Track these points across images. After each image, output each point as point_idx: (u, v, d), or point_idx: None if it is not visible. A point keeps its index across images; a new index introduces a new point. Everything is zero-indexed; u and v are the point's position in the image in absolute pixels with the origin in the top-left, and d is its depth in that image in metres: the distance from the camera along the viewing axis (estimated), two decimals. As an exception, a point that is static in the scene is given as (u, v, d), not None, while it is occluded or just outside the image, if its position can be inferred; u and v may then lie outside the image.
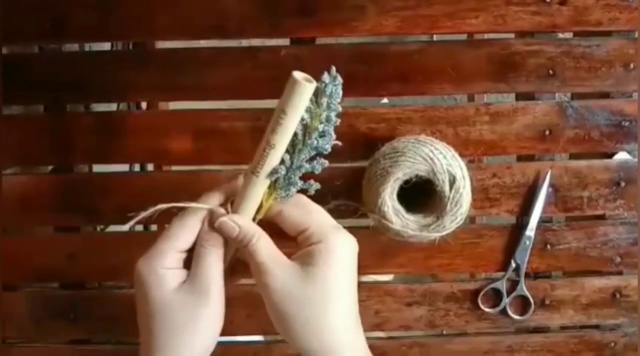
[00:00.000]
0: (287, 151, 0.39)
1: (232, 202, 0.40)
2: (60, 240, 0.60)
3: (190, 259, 0.39)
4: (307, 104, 0.38)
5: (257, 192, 0.39)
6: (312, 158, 0.40)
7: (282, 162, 0.39)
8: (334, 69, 0.39)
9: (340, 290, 0.38)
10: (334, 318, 0.38)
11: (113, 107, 0.62)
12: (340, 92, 0.39)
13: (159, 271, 0.38)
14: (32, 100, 0.59)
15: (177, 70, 0.57)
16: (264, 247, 0.38)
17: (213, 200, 0.40)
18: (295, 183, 0.40)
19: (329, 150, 0.40)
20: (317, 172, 0.40)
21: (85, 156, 0.59)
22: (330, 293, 0.38)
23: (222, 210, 0.39)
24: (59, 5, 0.56)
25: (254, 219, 0.40)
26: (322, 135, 0.39)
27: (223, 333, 0.62)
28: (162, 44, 0.62)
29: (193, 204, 0.39)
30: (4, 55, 0.57)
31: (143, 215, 0.39)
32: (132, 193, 0.58)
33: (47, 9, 0.56)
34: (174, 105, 0.61)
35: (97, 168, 0.61)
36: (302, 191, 0.40)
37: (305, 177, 0.40)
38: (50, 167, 0.61)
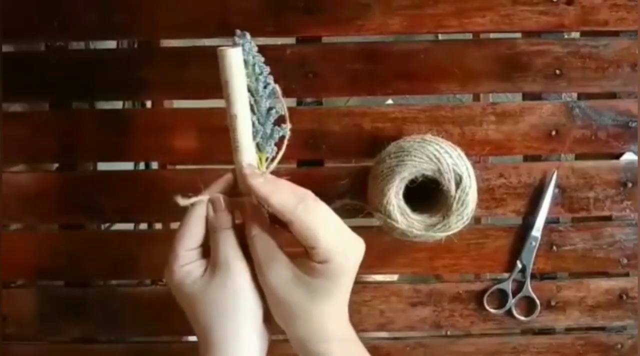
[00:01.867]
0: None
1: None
2: (64, 237, 0.60)
3: (208, 248, 0.42)
4: (244, 71, 0.42)
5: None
6: (270, 109, 0.43)
7: (253, 124, 0.43)
8: (236, 31, 0.42)
9: (336, 298, 0.40)
10: (324, 317, 0.40)
11: (118, 105, 0.62)
12: (253, 42, 0.42)
13: (179, 271, 0.41)
14: (37, 97, 0.59)
15: (182, 68, 0.57)
16: (259, 244, 0.40)
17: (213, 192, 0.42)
18: (271, 136, 0.43)
19: (277, 91, 0.43)
20: (283, 113, 0.44)
21: (90, 154, 0.58)
22: (326, 301, 0.40)
23: (219, 195, 0.42)
24: (65, 3, 0.56)
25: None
26: (264, 83, 0.43)
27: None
28: (167, 42, 0.62)
29: (200, 197, 0.42)
30: (10, 52, 0.58)
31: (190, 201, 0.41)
32: (136, 191, 0.58)
33: (54, 6, 0.56)
34: (179, 103, 0.61)
35: (102, 166, 0.61)
36: (281, 139, 0.43)
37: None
38: (55, 165, 0.61)
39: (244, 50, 0.42)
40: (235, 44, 0.42)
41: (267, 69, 0.43)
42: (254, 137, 0.43)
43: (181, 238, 0.41)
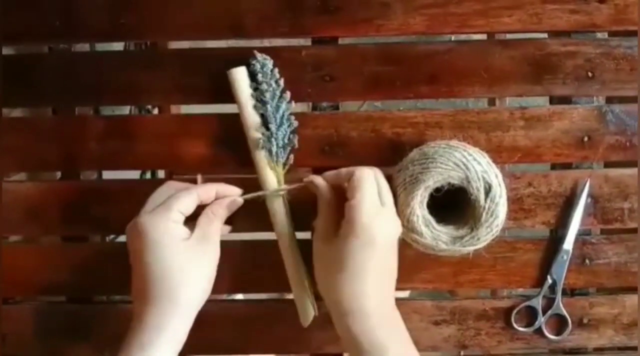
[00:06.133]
0: (268, 128, 0.51)
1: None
2: (67, 250, 0.57)
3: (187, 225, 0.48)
4: (250, 90, 0.51)
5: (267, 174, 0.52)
6: (284, 119, 0.52)
7: (270, 134, 0.51)
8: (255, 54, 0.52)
9: (347, 275, 0.46)
10: (338, 289, 0.46)
11: (124, 110, 0.60)
12: (269, 63, 0.51)
13: (168, 223, 0.47)
14: (39, 102, 0.56)
15: (190, 72, 0.54)
16: (318, 228, 0.49)
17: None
18: (285, 145, 0.51)
19: (291, 103, 0.52)
20: (291, 114, 0.52)
21: (95, 162, 0.56)
22: (337, 271, 0.46)
23: (239, 199, 0.51)
24: (69, 3, 0.54)
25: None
26: (280, 96, 0.51)
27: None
28: (175, 44, 0.60)
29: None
30: (11, 55, 0.55)
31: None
32: (142, 201, 0.55)
33: (57, 7, 0.54)
34: (187, 108, 0.59)
35: (107, 175, 0.58)
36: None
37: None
38: (58, 174, 0.58)
39: (256, 69, 0.50)
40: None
41: (278, 79, 0.51)
42: (270, 147, 0.50)
43: (180, 200, 0.48)
